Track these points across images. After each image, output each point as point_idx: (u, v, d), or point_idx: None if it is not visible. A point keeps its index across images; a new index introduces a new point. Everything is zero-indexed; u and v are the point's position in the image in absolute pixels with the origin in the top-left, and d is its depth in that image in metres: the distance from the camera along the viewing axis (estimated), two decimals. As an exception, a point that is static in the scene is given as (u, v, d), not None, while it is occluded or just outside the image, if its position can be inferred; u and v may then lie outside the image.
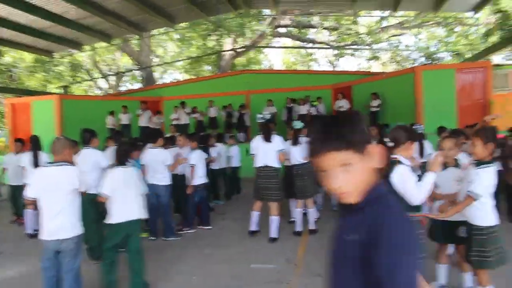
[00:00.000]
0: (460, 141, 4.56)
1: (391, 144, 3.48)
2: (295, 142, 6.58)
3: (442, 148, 4.09)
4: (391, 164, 3.37)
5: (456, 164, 4.08)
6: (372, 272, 1.20)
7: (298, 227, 6.62)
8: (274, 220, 6.31)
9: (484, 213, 3.43)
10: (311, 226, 6.68)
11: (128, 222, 4.37)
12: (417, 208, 3.37)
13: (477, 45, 19.80)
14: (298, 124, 6.74)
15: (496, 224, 3.45)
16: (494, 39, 24.23)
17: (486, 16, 23.81)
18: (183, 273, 5.07)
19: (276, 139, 6.34)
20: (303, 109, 15.59)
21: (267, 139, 6.30)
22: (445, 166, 4.03)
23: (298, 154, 6.58)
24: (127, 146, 4.85)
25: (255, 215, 6.53)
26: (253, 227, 6.57)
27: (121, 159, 4.59)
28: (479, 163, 3.44)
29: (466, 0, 15.38)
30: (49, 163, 3.96)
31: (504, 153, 6.67)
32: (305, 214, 6.87)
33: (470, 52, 19.07)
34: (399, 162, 3.34)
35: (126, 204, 4.37)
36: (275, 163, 6.30)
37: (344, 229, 1.38)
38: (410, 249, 1.20)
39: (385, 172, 3.44)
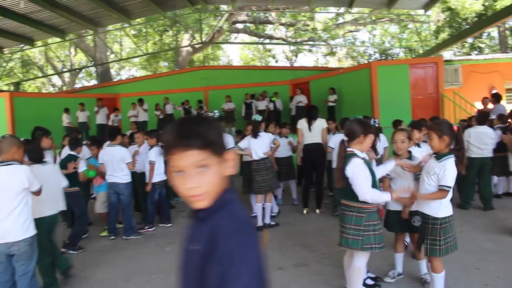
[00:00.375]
0: (423, 132, 4.75)
1: (345, 138, 3.59)
2: (255, 136, 6.62)
3: (394, 141, 4.18)
4: (347, 157, 3.47)
5: (410, 156, 4.18)
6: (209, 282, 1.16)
7: (259, 222, 6.66)
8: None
9: (442, 205, 3.51)
10: (267, 220, 6.74)
11: (50, 216, 4.48)
12: None
13: (429, 41, 20.48)
14: (257, 117, 6.83)
15: (451, 214, 3.55)
16: (444, 35, 25.18)
17: (436, 14, 24.68)
18: (144, 272, 5.03)
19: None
20: (262, 105, 15.68)
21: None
22: (398, 158, 4.13)
23: (258, 148, 6.61)
24: (37, 143, 4.97)
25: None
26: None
27: (35, 157, 4.59)
28: (439, 156, 3.50)
29: (417, -3, 15.88)
30: None
31: (456, 144, 6.95)
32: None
33: (422, 48, 19.69)
34: (355, 155, 3.44)
35: (47, 200, 4.34)
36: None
37: (189, 239, 1.35)
38: (248, 259, 1.15)
39: (341, 165, 3.56)
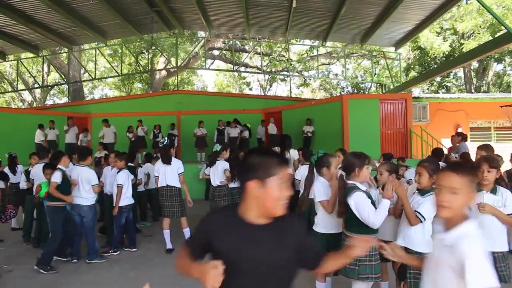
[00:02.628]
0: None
1: (343, 172, 3.74)
2: (211, 165, 7.12)
3: (381, 173, 4.31)
4: (348, 190, 3.58)
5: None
6: None
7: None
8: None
9: (425, 240, 3.58)
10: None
11: None
12: (376, 229, 3.57)
13: (399, 78, 21.13)
14: (217, 147, 7.28)
15: None
16: (413, 73, 26.04)
17: (407, 52, 25.55)
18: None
19: (176, 162, 6.98)
20: (234, 132, 15.72)
21: (167, 162, 6.88)
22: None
23: (215, 176, 7.05)
24: None
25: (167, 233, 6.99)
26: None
27: None
28: (423, 192, 3.67)
29: (388, 36, 16.47)
30: None
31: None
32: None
33: (392, 84, 20.29)
34: (356, 188, 3.56)
35: None
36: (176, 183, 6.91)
37: None
38: None
39: (341, 198, 3.67)
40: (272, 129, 15.97)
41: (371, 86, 29.67)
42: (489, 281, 1.73)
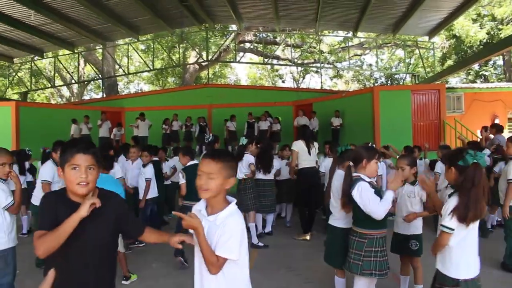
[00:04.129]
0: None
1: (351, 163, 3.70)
2: (239, 158, 6.86)
3: (402, 168, 4.25)
4: (353, 182, 3.55)
5: (414, 181, 4.29)
6: None
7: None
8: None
9: None
10: (254, 240, 6.78)
11: None
12: (383, 225, 3.52)
13: (436, 67, 20.62)
14: (243, 141, 7.16)
15: None
16: (450, 62, 25.31)
17: (441, 41, 24.85)
18: (129, 288, 5.06)
19: None
20: (264, 125, 15.71)
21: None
22: (403, 183, 4.23)
23: (239, 170, 6.81)
24: None
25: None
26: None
27: None
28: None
29: (421, 25, 16.07)
30: None
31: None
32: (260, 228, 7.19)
33: (426, 74, 19.81)
34: (360, 179, 3.52)
35: None
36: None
37: None
38: None
39: (346, 190, 3.63)
40: (303, 121, 15.85)
41: (405, 76, 29.06)
42: (232, 253, 2.07)
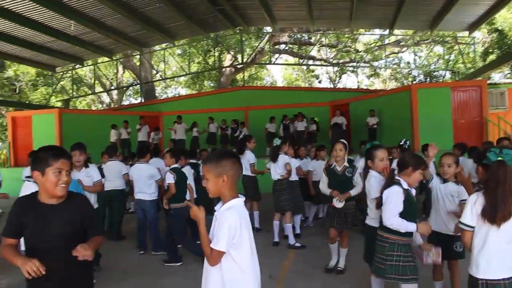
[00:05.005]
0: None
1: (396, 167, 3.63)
2: (274, 159, 6.87)
3: (441, 164, 4.10)
4: (391, 183, 3.52)
5: (457, 181, 4.11)
6: None
7: (275, 238, 6.94)
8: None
9: None
10: (291, 241, 6.73)
11: None
12: (407, 233, 3.45)
13: (477, 63, 19.98)
14: (276, 142, 7.10)
15: None
16: (492, 57, 24.44)
17: (483, 35, 24.05)
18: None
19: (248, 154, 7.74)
20: (301, 126, 15.64)
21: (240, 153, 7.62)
22: (444, 180, 4.09)
23: (274, 170, 6.89)
24: None
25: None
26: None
27: None
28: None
29: (460, 20, 15.63)
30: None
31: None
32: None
33: (469, 70, 19.22)
34: (398, 183, 3.48)
35: None
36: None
37: None
38: None
39: (384, 188, 3.60)
40: (339, 121, 15.67)
41: (445, 73, 28.28)
42: (217, 244, 2.21)
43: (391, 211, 3.39)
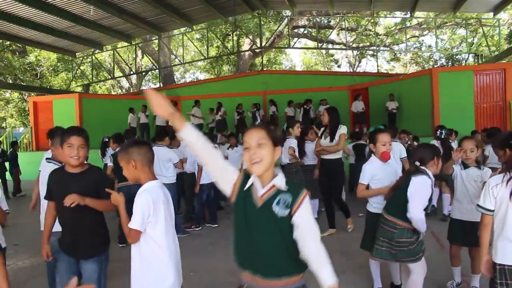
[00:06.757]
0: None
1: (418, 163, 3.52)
2: (282, 143, 6.68)
3: (463, 149, 4.02)
4: (417, 172, 3.42)
5: (478, 166, 4.04)
6: None
7: None
8: None
9: None
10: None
11: None
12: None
13: (502, 45, 19.44)
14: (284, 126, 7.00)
15: None
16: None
17: (509, 17, 23.40)
18: (183, 269, 5.16)
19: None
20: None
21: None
22: (465, 165, 4.03)
23: (284, 155, 6.62)
24: None
25: None
26: None
27: None
28: None
29: (485, 1, 15.19)
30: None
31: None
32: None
33: (490, 53, 18.74)
34: (426, 173, 3.41)
35: None
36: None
37: None
38: None
39: (400, 183, 3.53)
40: (358, 106, 15.51)
41: (468, 57, 27.66)
42: (131, 223, 2.41)
43: (420, 204, 3.30)
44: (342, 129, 6.19)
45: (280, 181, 1.93)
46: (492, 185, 2.66)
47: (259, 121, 15.89)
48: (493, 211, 2.67)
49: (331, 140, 6.18)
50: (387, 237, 3.51)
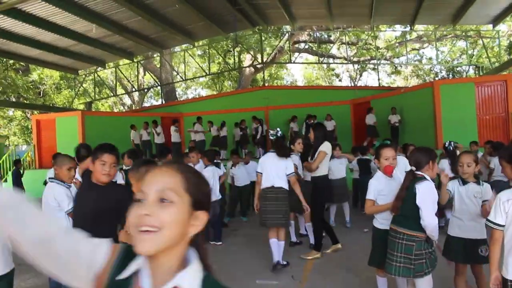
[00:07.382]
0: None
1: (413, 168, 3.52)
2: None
3: (460, 164, 3.97)
4: (416, 179, 3.40)
5: (478, 181, 3.97)
6: None
7: (292, 238, 6.98)
8: (281, 245, 5.75)
9: None
10: (312, 240, 6.62)
11: None
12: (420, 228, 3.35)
13: (502, 57, 19.50)
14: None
15: None
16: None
17: (508, 28, 23.52)
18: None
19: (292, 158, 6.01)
20: (330, 125, 15.35)
21: (285, 155, 5.71)
22: (464, 181, 3.96)
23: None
24: None
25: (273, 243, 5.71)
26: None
27: None
28: None
29: (483, 13, 15.32)
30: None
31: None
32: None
33: (491, 65, 18.80)
34: (425, 178, 3.38)
35: None
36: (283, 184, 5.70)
37: None
38: None
39: (403, 194, 3.47)
40: (371, 119, 15.38)
41: (468, 69, 27.74)
42: None
43: (432, 209, 3.25)
44: (323, 146, 5.91)
45: (189, 280, 1.01)
46: (503, 200, 2.64)
47: (259, 136, 15.86)
48: (503, 226, 2.63)
49: (311, 157, 6.05)
50: (405, 251, 3.38)
